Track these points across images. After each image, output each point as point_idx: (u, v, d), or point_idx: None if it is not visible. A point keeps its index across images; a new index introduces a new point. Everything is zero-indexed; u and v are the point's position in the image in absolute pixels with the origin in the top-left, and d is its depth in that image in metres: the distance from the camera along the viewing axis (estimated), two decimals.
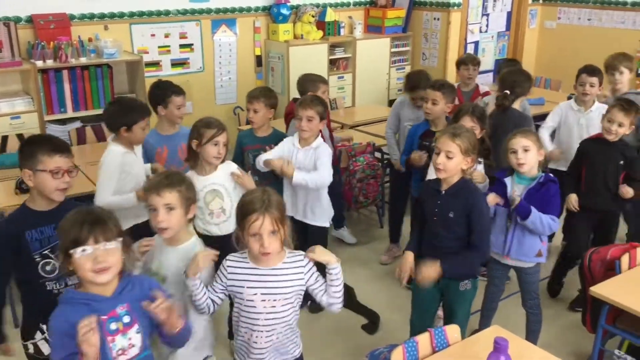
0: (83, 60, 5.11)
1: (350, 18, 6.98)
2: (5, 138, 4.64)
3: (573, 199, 3.66)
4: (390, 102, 6.71)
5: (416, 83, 4.19)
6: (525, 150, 3.01)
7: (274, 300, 2.23)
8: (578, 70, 4.20)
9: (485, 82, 6.41)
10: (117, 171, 3.13)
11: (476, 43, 7.43)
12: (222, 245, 2.93)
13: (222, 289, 2.31)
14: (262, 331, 2.25)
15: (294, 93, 5.89)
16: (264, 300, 2.23)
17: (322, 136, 3.56)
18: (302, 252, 2.30)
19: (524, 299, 3.28)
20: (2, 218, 3.27)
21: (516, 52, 7.74)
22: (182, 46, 5.97)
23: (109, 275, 1.88)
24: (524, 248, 3.10)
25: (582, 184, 3.71)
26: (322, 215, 3.56)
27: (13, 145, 4.62)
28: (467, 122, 3.31)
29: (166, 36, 5.85)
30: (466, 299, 2.86)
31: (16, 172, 3.97)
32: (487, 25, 7.50)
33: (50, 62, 4.96)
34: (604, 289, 2.87)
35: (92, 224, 1.85)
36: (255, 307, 2.24)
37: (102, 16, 5.45)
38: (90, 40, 5.29)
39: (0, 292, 2.42)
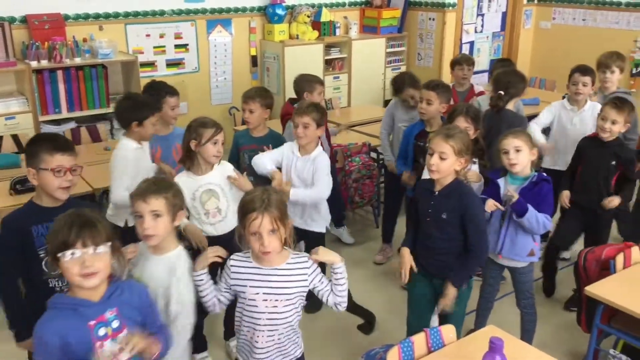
0: (78, 60, 5.10)
1: (346, 18, 6.98)
2: None
3: (565, 195, 3.72)
4: (386, 103, 6.72)
5: (400, 84, 4.27)
6: (517, 151, 3.02)
7: (276, 300, 2.23)
8: (571, 70, 4.22)
9: (480, 82, 6.41)
10: (130, 165, 3.14)
11: (471, 43, 7.44)
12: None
13: (227, 289, 2.33)
14: (263, 331, 2.26)
15: (290, 93, 5.88)
16: (266, 300, 2.23)
17: (322, 144, 3.55)
18: (306, 254, 2.30)
19: (518, 299, 3.29)
20: None
21: (511, 53, 7.76)
22: (177, 46, 5.96)
23: (96, 280, 1.85)
24: (516, 247, 3.11)
25: (576, 181, 3.75)
26: (320, 221, 3.55)
27: (8, 146, 4.61)
28: (462, 122, 3.32)
29: (161, 36, 5.84)
30: (461, 299, 2.86)
31: (11, 172, 3.97)
32: (482, 26, 7.51)
33: (44, 63, 4.95)
34: (598, 289, 2.87)
35: (80, 227, 1.82)
36: (257, 306, 2.24)
37: (96, 16, 5.44)
38: (85, 40, 5.28)
39: (14, 285, 2.40)
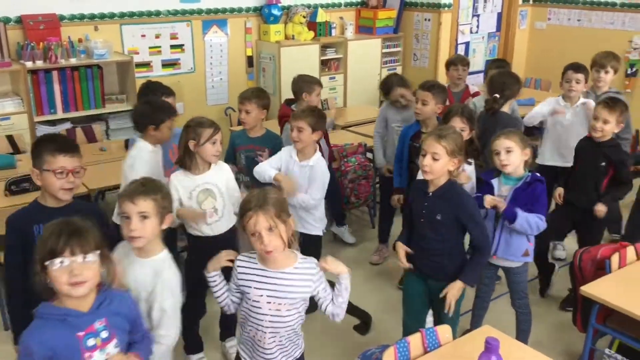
0: (73, 61, 5.09)
1: (342, 19, 6.98)
2: None
3: (558, 192, 3.82)
4: (382, 103, 6.71)
5: (389, 85, 4.31)
6: (508, 152, 3.03)
7: (279, 304, 2.23)
8: (564, 67, 4.25)
9: (475, 82, 6.42)
10: (145, 166, 3.14)
11: (467, 44, 7.44)
12: (214, 246, 2.93)
13: (236, 289, 2.34)
14: (265, 332, 2.26)
15: (286, 94, 5.88)
16: (270, 303, 2.23)
17: (321, 149, 3.54)
18: (314, 260, 2.29)
19: (513, 299, 3.30)
20: None
21: (507, 53, 7.77)
22: (172, 47, 5.95)
23: (85, 289, 1.83)
24: (511, 248, 3.12)
25: (571, 179, 3.82)
26: (316, 225, 3.54)
27: (2, 147, 4.60)
28: (457, 123, 3.33)
29: (157, 37, 5.82)
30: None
31: (6, 173, 3.96)
32: (477, 26, 7.52)
33: (40, 63, 4.93)
34: (594, 289, 2.88)
35: (69, 236, 1.80)
36: (260, 307, 2.24)
37: (92, 17, 5.42)
38: (80, 40, 5.27)
39: (17, 286, 2.39)
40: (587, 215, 3.66)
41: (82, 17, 5.37)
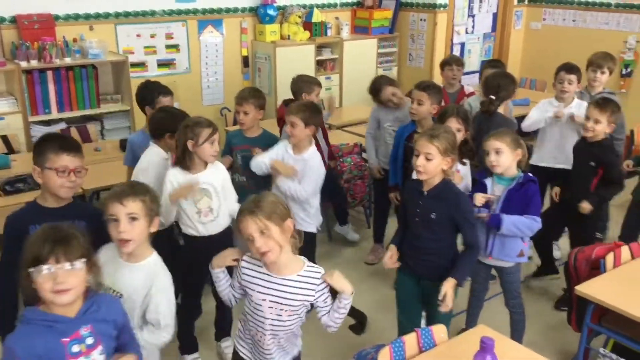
0: (68, 60, 5.07)
1: (337, 19, 6.98)
2: None
3: (555, 191, 3.94)
4: None
5: (378, 86, 4.28)
6: (498, 153, 3.04)
7: (281, 309, 2.23)
8: (557, 68, 4.26)
9: (470, 83, 6.43)
10: (156, 172, 3.14)
11: (462, 44, 7.45)
12: (208, 246, 2.93)
13: (239, 287, 2.35)
14: (265, 334, 2.27)
15: (281, 94, 5.88)
16: (272, 307, 2.23)
17: (317, 144, 3.55)
18: (320, 270, 2.27)
19: (506, 298, 3.31)
20: None
21: (502, 53, 7.78)
22: (168, 47, 5.93)
23: (69, 297, 1.80)
24: (506, 249, 3.13)
25: (566, 178, 3.89)
26: (310, 221, 3.55)
27: None
28: (453, 123, 3.32)
29: (152, 37, 5.81)
30: None
31: (1, 173, 3.94)
32: (473, 27, 7.52)
33: (34, 63, 4.91)
34: (589, 288, 2.89)
35: (54, 243, 1.77)
36: (262, 311, 2.24)
37: (87, 16, 5.40)
38: (75, 40, 5.25)
39: (12, 289, 2.36)
40: (578, 214, 3.68)
41: (77, 16, 5.36)
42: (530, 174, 3.12)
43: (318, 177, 3.47)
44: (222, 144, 3.62)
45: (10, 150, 4.66)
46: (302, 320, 2.32)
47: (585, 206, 3.62)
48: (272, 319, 2.24)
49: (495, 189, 3.11)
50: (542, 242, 4.04)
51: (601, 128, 3.59)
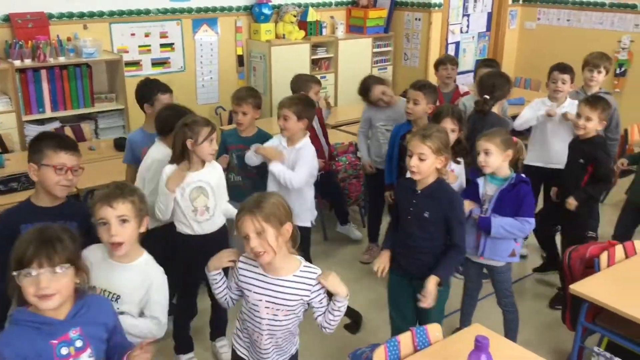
0: (62, 59, 5.05)
1: (332, 18, 6.98)
2: None
3: (552, 190, 3.96)
4: None
5: (367, 86, 4.29)
6: (487, 153, 3.04)
7: (277, 309, 2.23)
8: (550, 68, 4.27)
9: (465, 82, 6.44)
10: (160, 167, 3.12)
11: (457, 43, 7.47)
12: (203, 245, 2.92)
13: (236, 288, 2.34)
14: (262, 334, 2.27)
15: (277, 93, 5.89)
16: (268, 308, 2.23)
17: (318, 144, 3.56)
18: (317, 270, 2.27)
19: (498, 297, 3.31)
20: None
21: (496, 53, 7.79)
22: (162, 45, 5.92)
23: (53, 302, 1.77)
24: (497, 249, 3.13)
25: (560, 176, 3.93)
26: (304, 215, 3.55)
27: None
28: (448, 124, 3.33)
29: (146, 35, 5.79)
30: (440, 297, 2.86)
31: None
32: (467, 26, 7.54)
33: (28, 62, 4.89)
34: (583, 287, 2.89)
35: (38, 246, 1.74)
36: (259, 311, 2.24)
37: (81, 15, 5.39)
38: (69, 39, 5.23)
39: (3, 288, 2.36)
40: (568, 212, 3.70)
41: (71, 15, 5.34)
42: (523, 175, 3.12)
43: (312, 166, 3.48)
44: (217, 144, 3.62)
45: (4, 149, 4.64)
46: (299, 319, 2.32)
47: (571, 202, 3.64)
48: (268, 319, 2.24)
49: (488, 189, 3.12)
50: (545, 239, 4.07)
51: (592, 125, 3.61)
